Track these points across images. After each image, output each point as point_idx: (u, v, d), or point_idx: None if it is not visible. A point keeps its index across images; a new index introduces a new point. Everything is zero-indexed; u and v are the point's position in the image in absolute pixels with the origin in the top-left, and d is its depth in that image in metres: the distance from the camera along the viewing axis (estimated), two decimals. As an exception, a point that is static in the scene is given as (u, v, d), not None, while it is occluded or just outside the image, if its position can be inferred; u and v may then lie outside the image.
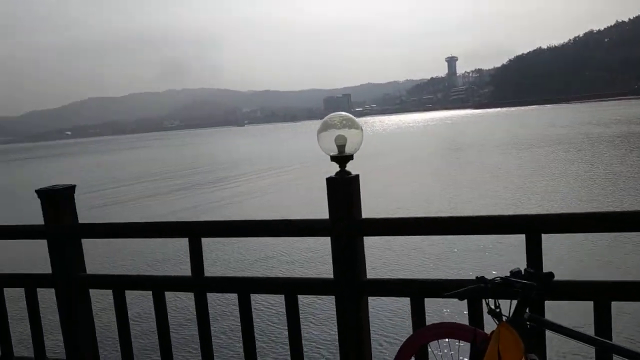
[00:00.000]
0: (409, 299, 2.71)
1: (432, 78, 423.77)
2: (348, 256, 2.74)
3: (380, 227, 2.79)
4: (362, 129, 2.79)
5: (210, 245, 10.95)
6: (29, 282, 3.49)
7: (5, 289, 3.61)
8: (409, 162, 31.35)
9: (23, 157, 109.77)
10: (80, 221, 3.38)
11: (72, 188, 3.34)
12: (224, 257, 11.67)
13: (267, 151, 56.87)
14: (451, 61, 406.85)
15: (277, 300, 7.61)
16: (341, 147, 2.74)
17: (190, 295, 3.12)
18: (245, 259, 11.49)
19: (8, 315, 3.65)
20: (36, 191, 3.29)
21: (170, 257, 11.94)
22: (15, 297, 3.83)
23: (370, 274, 2.87)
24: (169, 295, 3.22)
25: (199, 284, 3.08)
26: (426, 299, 2.69)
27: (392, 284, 2.83)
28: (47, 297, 3.58)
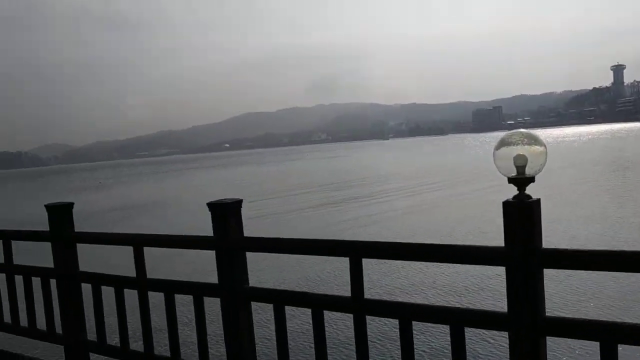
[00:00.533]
0: (597, 344, 2.35)
1: (594, 88, 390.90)
2: (526, 290, 2.45)
3: (566, 260, 2.46)
4: (546, 147, 2.50)
5: (369, 264, 10.96)
6: (197, 290, 3.66)
7: (176, 294, 3.83)
8: (582, 181, 28.50)
9: (188, 167, 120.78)
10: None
11: (239, 202, 3.45)
12: (382, 278, 11.40)
13: (420, 164, 56.23)
14: (617, 70, 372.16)
15: (439, 330, 7.31)
16: (521, 168, 2.47)
17: (349, 316, 3.05)
18: (405, 281, 11.20)
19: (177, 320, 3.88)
20: (208, 204, 3.45)
21: (329, 274, 12.01)
22: (184, 302, 4.06)
23: (550, 311, 2.55)
24: (327, 314, 3.18)
25: (359, 306, 2.98)
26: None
27: (579, 325, 2.47)
28: (213, 307, 3.75)
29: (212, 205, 3.42)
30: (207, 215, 3.42)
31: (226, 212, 3.38)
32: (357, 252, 2.98)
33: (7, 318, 5.04)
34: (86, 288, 4.39)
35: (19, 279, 4.86)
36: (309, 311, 3.19)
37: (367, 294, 3.00)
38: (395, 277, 11.47)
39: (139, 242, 3.94)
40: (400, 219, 19.89)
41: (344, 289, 3.07)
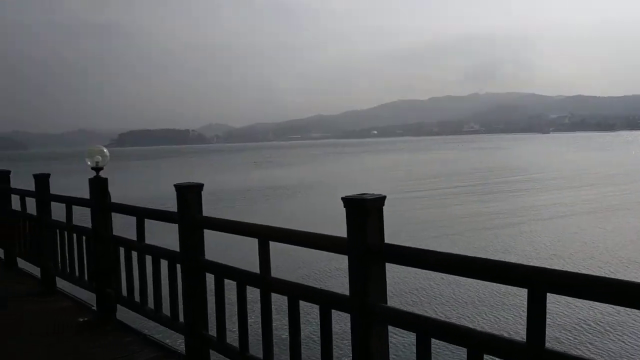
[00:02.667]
0: None
1: None
2: None
3: None
4: None
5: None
6: (326, 301, 3.06)
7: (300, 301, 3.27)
8: None
9: (339, 151, 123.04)
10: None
11: (381, 199, 2.75)
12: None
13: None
14: None
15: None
16: None
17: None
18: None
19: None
20: (343, 199, 2.79)
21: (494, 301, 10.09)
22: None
23: None
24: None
25: (535, 351, 2.13)
26: None
27: None
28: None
29: (348, 201, 2.76)
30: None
31: (365, 211, 2.70)
32: (536, 283, 2.11)
33: (136, 297, 4.91)
34: (209, 277, 4.03)
35: (148, 259, 4.68)
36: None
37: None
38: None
39: (265, 235, 3.43)
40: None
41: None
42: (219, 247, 6.57)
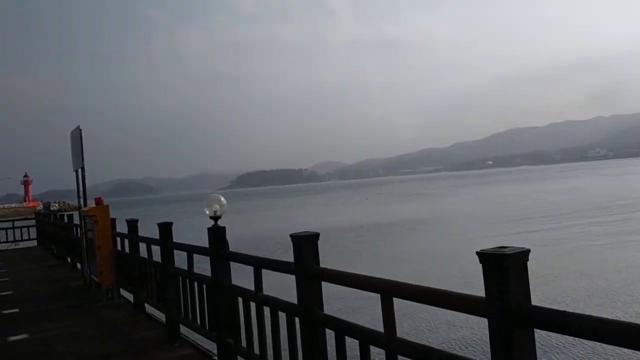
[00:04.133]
0: None
1: None
2: None
3: None
4: None
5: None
6: None
7: None
8: None
9: (452, 184, 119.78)
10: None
11: (525, 253, 2.36)
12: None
13: None
14: None
15: None
16: None
17: None
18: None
19: None
20: (478, 254, 2.43)
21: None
22: None
23: None
24: None
25: None
26: None
27: None
28: None
29: (485, 256, 2.39)
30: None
31: (506, 268, 2.32)
32: None
33: (256, 349, 4.79)
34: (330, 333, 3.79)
35: (267, 310, 4.55)
36: None
37: None
38: None
39: (388, 291, 3.13)
40: None
41: None
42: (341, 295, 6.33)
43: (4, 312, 9.23)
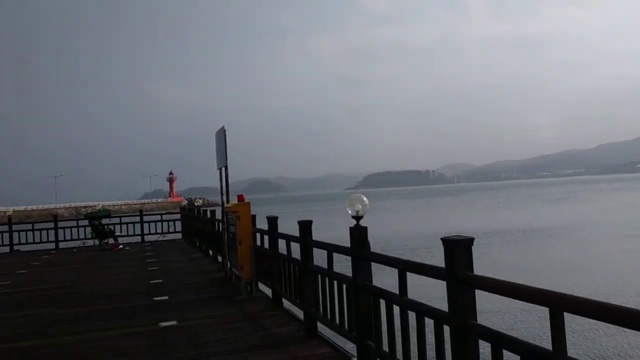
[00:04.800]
0: None
1: None
2: None
3: None
4: None
5: None
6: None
7: None
8: None
9: (593, 188, 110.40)
10: None
11: None
12: None
13: None
14: None
15: None
16: None
17: None
18: None
19: None
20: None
21: None
22: None
23: None
24: None
25: None
26: None
27: None
28: None
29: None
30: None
31: None
32: None
33: (398, 354, 4.62)
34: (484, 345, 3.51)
35: (411, 315, 4.36)
36: None
37: None
38: None
39: (558, 305, 2.81)
40: None
41: None
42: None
43: (156, 299, 9.98)
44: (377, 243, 5.36)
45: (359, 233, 5.24)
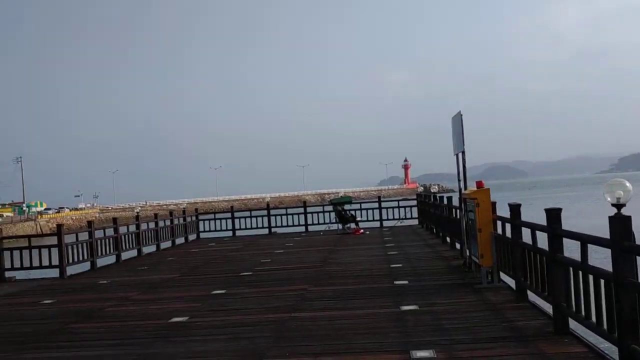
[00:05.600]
0: None
1: None
2: None
3: None
4: None
5: None
6: None
7: None
8: None
9: None
10: None
11: None
12: None
13: None
14: None
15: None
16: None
17: None
18: None
19: None
20: None
21: None
22: None
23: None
24: None
25: None
26: None
27: None
28: None
29: None
30: None
31: None
32: None
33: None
34: None
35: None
36: None
37: None
38: None
39: None
40: None
41: None
42: None
43: (396, 282, 10.31)
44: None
45: (621, 223, 4.65)
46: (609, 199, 4.75)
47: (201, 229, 25.70)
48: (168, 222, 22.25)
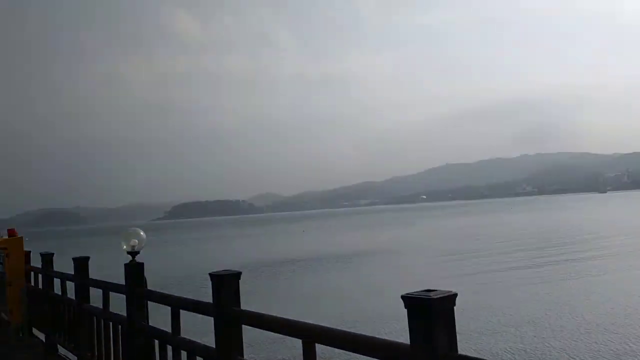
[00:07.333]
0: None
1: None
2: None
3: None
4: None
5: None
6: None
7: None
8: None
9: (390, 217, 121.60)
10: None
11: (452, 297, 2.22)
12: None
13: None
14: None
15: None
16: None
17: None
18: None
19: None
20: (403, 298, 2.28)
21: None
22: None
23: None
24: None
25: None
26: None
27: None
28: None
29: (409, 300, 2.25)
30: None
31: (431, 314, 2.17)
32: None
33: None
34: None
35: (184, 355, 4.22)
36: None
37: None
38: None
39: (310, 336, 2.93)
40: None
41: None
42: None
43: None
44: (162, 279, 5.10)
45: (134, 270, 4.96)
46: (124, 247, 5.02)
47: None
48: None
